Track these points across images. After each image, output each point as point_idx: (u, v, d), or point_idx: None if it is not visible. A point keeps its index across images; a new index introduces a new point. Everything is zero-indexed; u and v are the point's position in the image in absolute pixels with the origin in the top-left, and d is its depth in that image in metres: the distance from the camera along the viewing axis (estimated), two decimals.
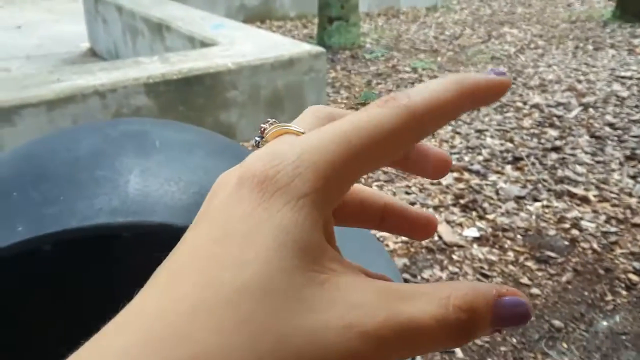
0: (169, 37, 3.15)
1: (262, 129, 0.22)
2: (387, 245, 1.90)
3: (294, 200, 0.17)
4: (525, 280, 1.76)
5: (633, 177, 2.33)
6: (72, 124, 2.03)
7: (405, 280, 1.75)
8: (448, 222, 2.05)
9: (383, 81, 3.43)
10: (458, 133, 2.75)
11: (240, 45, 2.73)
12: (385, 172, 2.38)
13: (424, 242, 1.92)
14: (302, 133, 0.20)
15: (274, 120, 0.22)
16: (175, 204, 0.46)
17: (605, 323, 1.60)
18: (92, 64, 2.51)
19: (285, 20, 5.08)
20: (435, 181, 2.32)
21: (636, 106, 3.05)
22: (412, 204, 2.16)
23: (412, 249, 1.89)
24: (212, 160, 0.55)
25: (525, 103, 3.11)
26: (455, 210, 2.11)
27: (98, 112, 2.07)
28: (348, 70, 3.62)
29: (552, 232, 1.99)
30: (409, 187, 2.28)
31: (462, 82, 0.20)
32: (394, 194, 2.23)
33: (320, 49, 2.71)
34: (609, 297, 1.69)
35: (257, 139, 0.22)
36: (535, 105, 3.07)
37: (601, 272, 1.80)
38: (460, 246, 1.91)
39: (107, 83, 2.11)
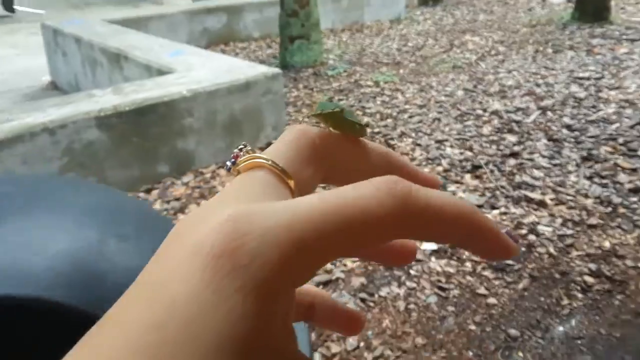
0: (127, 66, 3.15)
1: (235, 155, 0.21)
2: (344, 265, 1.90)
3: (249, 287, 0.15)
4: (482, 290, 1.76)
5: (589, 178, 2.36)
6: (22, 163, 2.00)
7: (362, 300, 1.74)
8: None
9: (345, 97, 3.45)
10: (418, 145, 2.76)
11: (197, 71, 2.73)
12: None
13: None
14: (276, 167, 0.20)
15: (247, 147, 0.21)
16: (23, 272, 0.45)
17: (561, 328, 1.61)
18: (45, 99, 2.49)
19: (249, 41, 5.10)
20: None
21: (593, 106, 3.10)
22: None
23: (370, 267, 1.88)
24: (86, 227, 0.54)
25: (485, 110, 3.15)
26: None
27: (48, 149, 2.05)
28: (310, 89, 3.64)
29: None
30: None
31: (476, 215, 0.18)
32: None
33: (276, 70, 2.73)
34: (565, 302, 1.70)
35: (228, 164, 0.21)
36: (495, 112, 3.11)
37: (557, 276, 1.81)
38: (418, 260, 1.91)
39: (56, 119, 2.09)
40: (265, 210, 0.16)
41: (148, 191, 2.41)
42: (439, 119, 3.05)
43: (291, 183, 0.20)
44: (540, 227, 2.05)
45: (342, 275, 1.85)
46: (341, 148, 0.23)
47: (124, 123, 2.26)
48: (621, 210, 2.13)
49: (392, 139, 2.84)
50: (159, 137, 2.39)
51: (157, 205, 2.30)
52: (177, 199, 2.36)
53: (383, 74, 3.87)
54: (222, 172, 2.56)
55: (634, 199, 2.20)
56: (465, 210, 0.18)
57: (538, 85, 3.51)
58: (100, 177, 2.23)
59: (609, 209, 2.15)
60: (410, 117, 3.11)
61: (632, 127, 2.79)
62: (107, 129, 2.22)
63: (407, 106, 3.26)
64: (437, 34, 5.19)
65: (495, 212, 2.16)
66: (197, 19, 4.89)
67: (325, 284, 1.85)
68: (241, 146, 0.21)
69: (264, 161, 0.20)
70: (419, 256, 1.93)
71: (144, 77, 2.91)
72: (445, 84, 3.62)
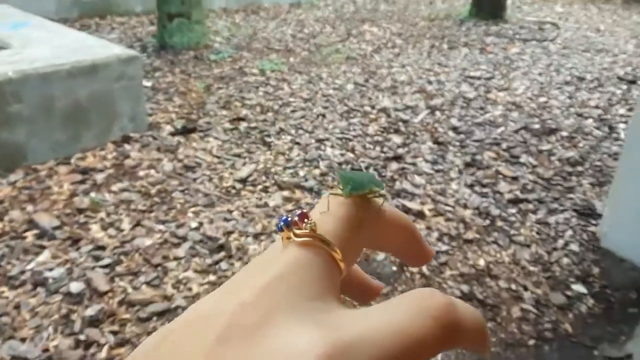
0: None
1: (294, 221, 0.22)
2: None
3: None
4: None
5: (470, 186, 2.23)
6: None
7: None
8: None
9: (225, 85, 3.12)
10: (297, 143, 2.51)
11: (35, 48, 2.28)
12: (206, 195, 2.08)
13: None
14: (335, 253, 0.21)
15: (310, 221, 0.22)
16: None
17: None
18: None
19: (129, 15, 4.59)
20: (261, 203, 2.05)
21: (481, 108, 3.00)
22: (231, 232, 1.88)
23: None
24: None
25: (373, 107, 2.95)
26: (278, 237, 1.86)
27: None
28: (188, 74, 3.26)
29: (380, 257, 1.80)
30: (230, 211, 1.99)
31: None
32: (212, 220, 1.93)
33: (132, 52, 2.34)
34: None
35: (281, 224, 0.22)
36: (383, 110, 2.92)
37: None
38: None
39: None
40: (351, 345, 0.17)
41: None
42: (323, 115, 2.82)
43: (342, 265, 0.22)
44: None
45: None
46: (374, 223, 0.25)
47: None
48: (499, 223, 2.00)
49: (268, 135, 2.56)
50: None
51: None
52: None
53: (271, 61, 3.57)
54: (62, 169, 2.16)
55: (513, 210, 2.09)
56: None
57: (430, 82, 3.38)
58: None
59: (487, 221, 2.01)
60: (293, 111, 2.84)
61: (516, 131, 2.71)
62: None
63: (291, 99, 3.00)
64: (335, 22, 4.96)
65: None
66: None
67: None
68: (300, 212, 0.22)
69: (326, 246, 0.21)
70: None
71: None
72: (335, 76, 3.40)
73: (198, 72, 3.31)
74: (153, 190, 2.08)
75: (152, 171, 2.22)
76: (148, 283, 1.63)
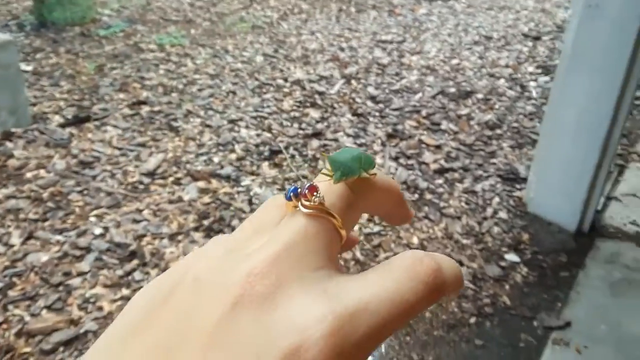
0: None
1: (303, 193, 0.23)
2: None
3: None
4: None
5: (395, 159, 2.15)
6: None
7: None
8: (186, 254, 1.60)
9: (120, 65, 2.81)
10: (208, 126, 2.30)
11: None
12: (109, 194, 1.84)
13: None
14: (340, 226, 0.23)
15: (318, 193, 0.23)
16: None
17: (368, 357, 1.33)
18: None
19: None
20: (175, 198, 1.85)
21: (396, 74, 2.92)
22: (142, 235, 1.67)
23: None
24: None
25: (286, 80, 2.78)
26: (197, 236, 1.68)
27: None
28: (75, 53, 2.90)
29: None
30: (140, 210, 1.78)
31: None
32: (119, 223, 1.71)
33: (5, 37, 2.00)
34: None
35: (290, 194, 0.23)
36: (297, 82, 2.76)
37: None
38: None
39: None
40: (354, 315, 0.19)
41: None
42: (234, 92, 2.61)
43: (343, 233, 0.23)
44: None
45: None
46: (368, 194, 0.26)
47: None
48: (428, 196, 1.95)
49: (175, 119, 2.32)
50: None
51: None
52: None
53: (170, 34, 3.27)
54: None
55: (439, 181, 2.04)
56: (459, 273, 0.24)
57: (342, 49, 3.25)
58: None
59: (416, 195, 1.95)
60: (200, 89, 2.61)
61: (433, 97, 2.67)
62: None
63: (196, 76, 2.75)
64: None
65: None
66: None
67: None
68: (309, 184, 0.23)
69: (333, 219, 0.22)
70: None
71: None
72: (243, 48, 3.17)
73: (87, 50, 2.95)
74: (45, 194, 1.81)
75: (42, 171, 1.93)
76: (49, 307, 1.41)
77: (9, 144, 2.05)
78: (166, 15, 3.68)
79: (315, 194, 0.23)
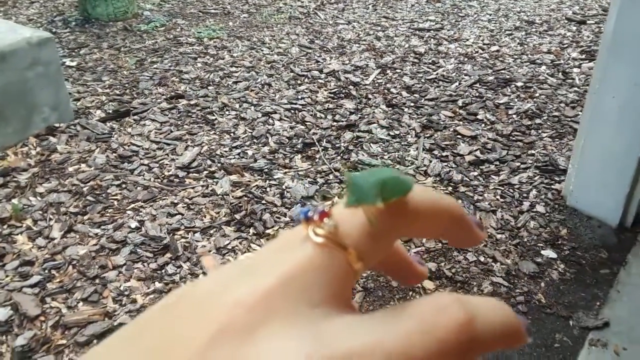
0: None
1: (319, 215, 0.21)
2: None
3: None
4: None
5: (430, 151, 2.11)
6: None
7: None
8: (218, 249, 1.63)
9: (160, 59, 2.86)
10: (243, 119, 2.32)
11: None
12: (146, 188, 1.89)
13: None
14: (354, 263, 0.20)
15: (332, 222, 0.21)
16: None
17: None
18: None
19: None
20: (208, 191, 1.88)
21: (433, 62, 2.86)
22: (176, 229, 1.71)
23: None
24: None
25: (321, 71, 2.77)
26: (228, 230, 1.70)
27: None
28: (117, 49, 2.98)
29: None
30: (175, 204, 1.82)
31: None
32: (154, 217, 1.75)
33: (45, 34, 2.07)
34: None
35: (302, 216, 0.21)
36: (332, 73, 2.74)
37: (393, 283, 1.52)
38: None
39: None
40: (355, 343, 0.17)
41: None
42: (269, 84, 2.62)
43: (358, 267, 0.20)
44: None
45: None
46: (399, 216, 0.22)
47: None
48: (462, 189, 1.91)
49: (211, 113, 2.36)
50: None
51: None
52: None
53: (208, 27, 3.31)
54: None
55: (475, 173, 1.99)
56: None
57: (378, 38, 3.21)
58: None
59: (450, 188, 1.91)
60: (236, 82, 2.63)
61: (471, 85, 2.60)
62: None
63: (233, 68, 2.78)
64: None
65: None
66: None
67: None
68: (321, 209, 0.21)
69: (343, 251, 0.20)
70: None
71: None
72: (279, 39, 3.18)
73: (128, 45, 3.03)
74: (85, 188, 1.88)
75: (83, 165, 2.00)
76: (85, 300, 1.46)
77: (52, 139, 2.13)
78: (205, 8, 3.73)
79: (325, 220, 0.21)
